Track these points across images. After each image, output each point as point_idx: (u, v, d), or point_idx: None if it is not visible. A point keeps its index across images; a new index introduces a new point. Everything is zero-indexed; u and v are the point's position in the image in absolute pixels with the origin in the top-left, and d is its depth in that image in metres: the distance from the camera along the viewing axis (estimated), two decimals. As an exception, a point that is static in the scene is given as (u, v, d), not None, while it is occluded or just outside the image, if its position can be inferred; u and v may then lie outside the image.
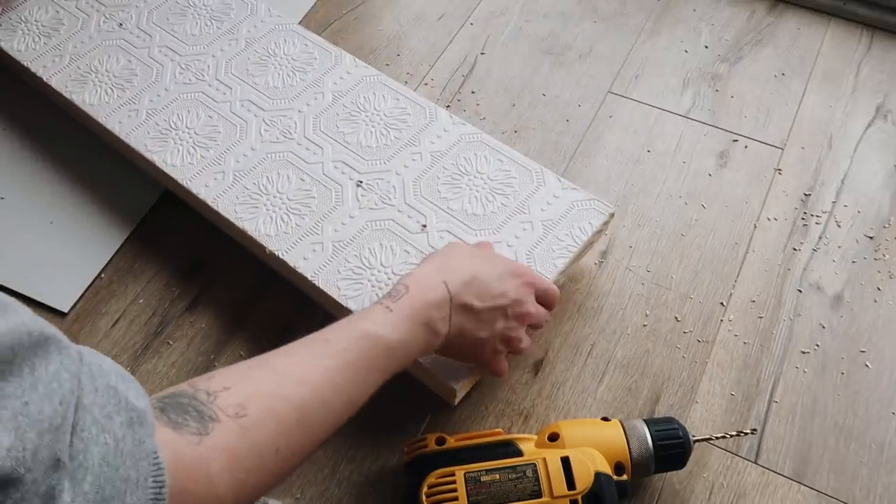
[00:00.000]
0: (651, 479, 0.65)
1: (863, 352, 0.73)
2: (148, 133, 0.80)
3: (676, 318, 0.75)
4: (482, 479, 0.59)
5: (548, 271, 0.70)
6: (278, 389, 0.46)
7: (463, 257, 0.61)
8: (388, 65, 0.97)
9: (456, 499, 0.58)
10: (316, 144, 0.79)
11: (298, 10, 1.02)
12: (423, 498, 0.58)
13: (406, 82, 0.95)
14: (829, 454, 0.67)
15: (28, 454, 0.29)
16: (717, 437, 0.64)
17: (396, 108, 0.82)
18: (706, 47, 0.98)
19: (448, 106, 0.92)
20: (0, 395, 0.29)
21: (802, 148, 0.88)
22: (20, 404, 0.30)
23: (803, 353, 0.73)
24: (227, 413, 0.42)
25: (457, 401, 0.68)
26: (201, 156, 0.79)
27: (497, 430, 0.64)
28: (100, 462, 0.33)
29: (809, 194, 0.84)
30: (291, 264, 0.71)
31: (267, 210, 0.74)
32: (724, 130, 0.90)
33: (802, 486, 0.66)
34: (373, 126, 0.80)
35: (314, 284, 0.70)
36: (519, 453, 0.60)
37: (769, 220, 0.82)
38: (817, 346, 0.74)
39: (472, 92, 0.94)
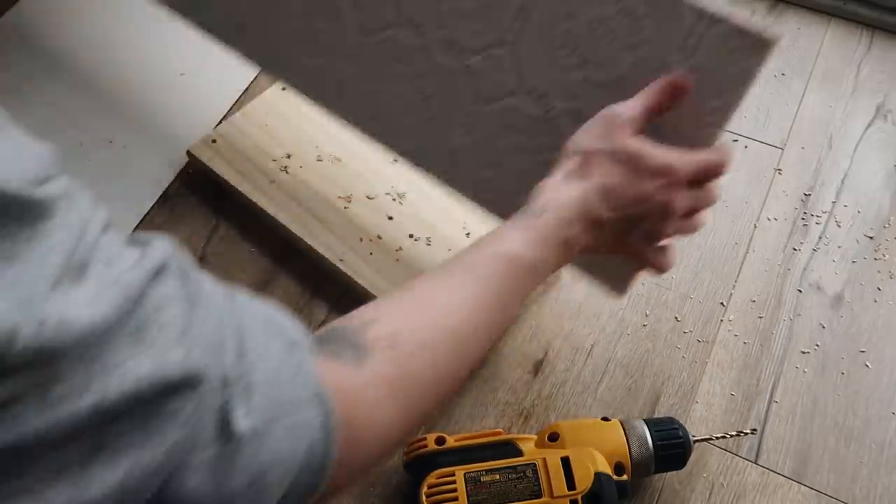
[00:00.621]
0: (651, 479, 0.65)
1: (863, 352, 0.73)
2: None
3: (676, 318, 0.75)
4: (482, 480, 0.59)
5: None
6: (428, 319, 0.46)
7: (605, 162, 0.53)
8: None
9: (456, 499, 0.58)
10: (415, 23, 0.65)
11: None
12: (423, 498, 0.58)
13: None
14: (829, 454, 0.67)
15: (200, 367, 0.30)
16: (717, 437, 0.64)
17: None
18: (706, 47, 0.98)
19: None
20: (163, 318, 0.30)
21: (802, 148, 0.88)
22: (184, 324, 0.31)
23: (803, 353, 0.73)
24: (380, 343, 0.42)
25: (627, 291, 0.62)
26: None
27: (497, 430, 0.64)
28: (265, 381, 0.34)
29: (809, 194, 0.84)
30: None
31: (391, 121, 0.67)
32: (725, 130, 0.90)
33: (802, 486, 0.66)
34: None
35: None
36: (519, 453, 0.60)
37: (769, 219, 0.82)
38: (817, 346, 0.74)
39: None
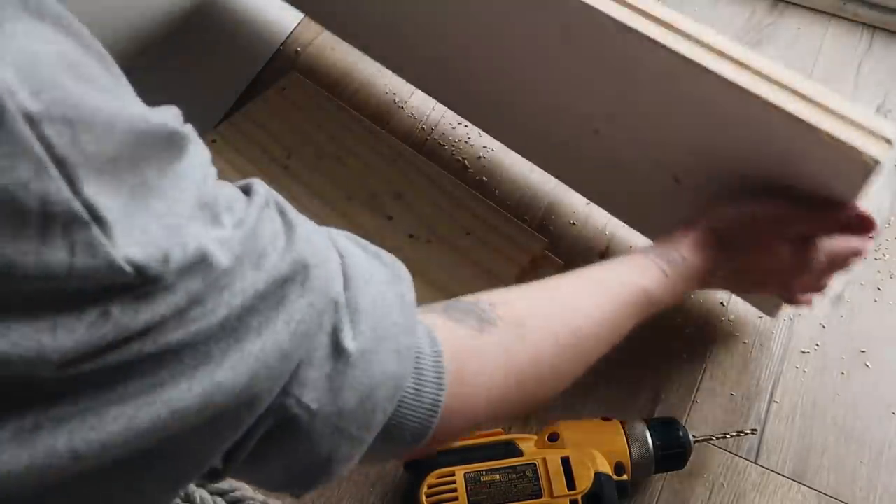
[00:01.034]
0: (651, 480, 0.65)
1: (863, 352, 0.73)
2: None
3: (677, 317, 0.75)
4: (482, 480, 0.59)
5: None
6: (556, 311, 0.48)
7: (738, 222, 0.58)
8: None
9: (456, 499, 0.58)
10: None
11: (297, 12, 1.02)
12: (423, 498, 0.58)
13: (406, 82, 0.95)
14: (829, 454, 0.67)
15: (307, 260, 0.34)
16: (717, 438, 0.64)
17: None
18: (706, 47, 0.97)
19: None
20: (276, 246, 0.33)
21: (802, 148, 0.88)
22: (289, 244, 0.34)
23: (803, 353, 0.73)
24: (506, 321, 0.44)
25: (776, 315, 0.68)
26: None
27: (497, 429, 0.64)
28: (369, 306, 0.37)
29: (809, 194, 0.84)
30: None
31: None
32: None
33: (802, 487, 0.66)
34: None
35: None
36: (519, 453, 0.60)
37: (769, 220, 0.82)
38: (817, 346, 0.74)
39: (472, 92, 0.94)
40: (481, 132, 0.89)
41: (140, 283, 0.27)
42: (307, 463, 0.36)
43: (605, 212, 0.82)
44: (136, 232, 0.27)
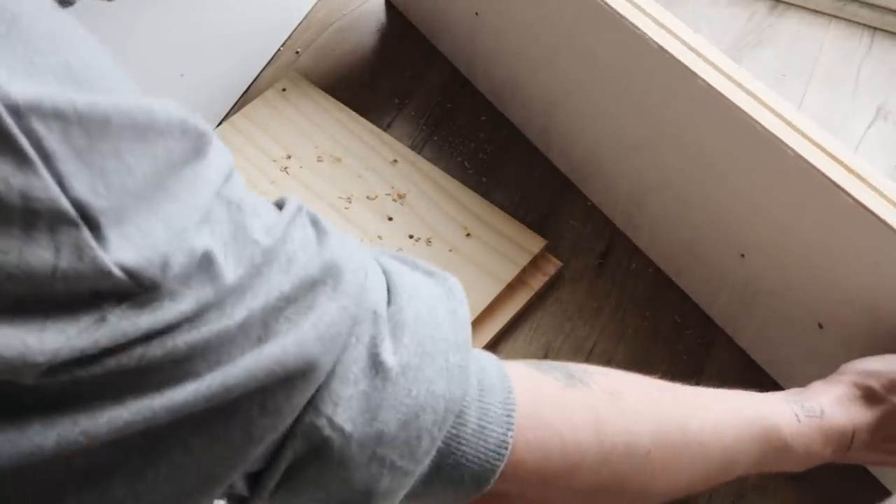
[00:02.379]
0: (651, 480, 0.65)
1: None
2: None
3: (677, 318, 0.75)
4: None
5: None
6: (665, 404, 0.41)
7: (887, 394, 0.51)
8: (388, 65, 0.97)
9: (456, 499, 0.58)
10: None
11: (299, 11, 1.02)
12: (423, 499, 0.58)
13: (406, 83, 0.95)
14: (829, 455, 0.67)
15: (340, 262, 0.31)
16: (717, 438, 0.64)
17: None
18: (706, 48, 0.97)
19: (448, 107, 0.92)
20: (306, 253, 0.31)
21: (803, 149, 0.88)
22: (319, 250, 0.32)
23: (803, 354, 0.73)
24: (601, 386, 0.39)
25: None
26: None
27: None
28: (414, 320, 0.34)
29: (810, 195, 0.84)
30: None
31: None
32: None
33: (803, 487, 0.66)
34: None
35: None
36: (519, 454, 0.60)
37: (769, 220, 0.82)
38: (817, 347, 0.73)
39: (473, 93, 0.94)
40: (481, 133, 0.89)
41: (138, 289, 0.25)
42: (344, 496, 0.32)
43: (605, 213, 0.82)
44: (134, 235, 0.25)
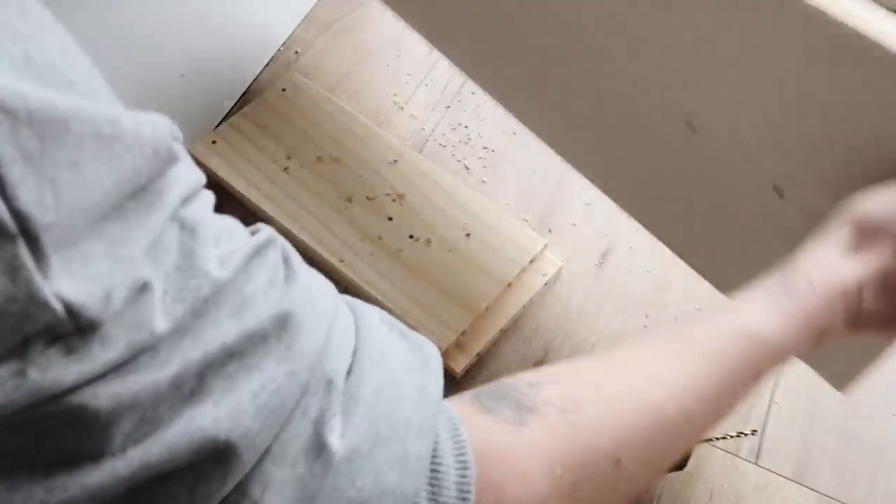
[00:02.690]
0: (651, 480, 0.65)
1: (863, 353, 0.73)
2: None
3: (676, 319, 0.75)
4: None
5: None
6: (622, 385, 0.36)
7: (887, 240, 0.41)
8: (388, 65, 0.97)
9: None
10: None
11: (298, 12, 1.02)
12: (423, 499, 0.58)
13: (406, 83, 0.95)
14: (829, 455, 0.67)
15: (296, 315, 0.27)
16: (717, 439, 0.64)
17: None
18: (706, 48, 0.97)
19: (448, 107, 0.92)
20: (266, 294, 0.27)
21: (803, 149, 0.88)
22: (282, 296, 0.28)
23: (804, 353, 0.73)
24: (551, 405, 0.34)
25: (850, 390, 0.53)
26: None
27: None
28: (373, 397, 0.29)
29: (810, 195, 0.84)
30: None
31: None
32: None
33: (803, 488, 0.66)
34: None
35: None
36: (519, 454, 0.60)
37: (769, 220, 0.82)
38: (818, 346, 0.73)
39: (472, 93, 0.94)
40: (481, 133, 0.89)
41: (73, 329, 0.21)
42: None
43: (605, 212, 0.82)
44: (76, 262, 0.21)
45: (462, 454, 0.30)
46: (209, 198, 0.27)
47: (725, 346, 0.38)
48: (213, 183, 0.84)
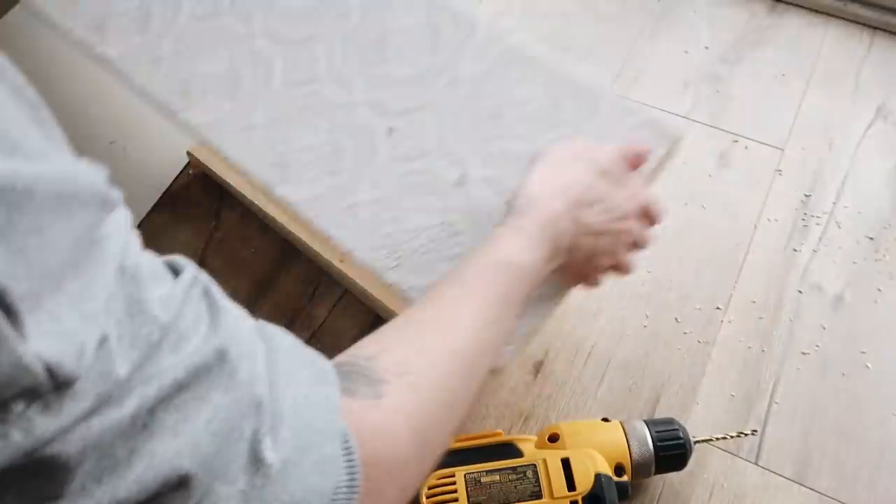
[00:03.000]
0: (651, 480, 0.65)
1: (863, 353, 0.73)
2: (170, 87, 0.70)
3: (677, 319, 0.75)
4: (482, 480, 0.59)
5: None
6: (432, 341, 0.43)
7: (577, 168, 0.55)
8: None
9: (456, 500, 0.58)
10: (344, 83, 0.68)
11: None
12: (424, 499, 0.58)
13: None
14: (829, 455, 0.67)
15: (231, 356, 0.29)
16: (717, 438, 0.64)
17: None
18: (706, 48, 0.98)
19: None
20: (198, 330, 0.29)
21: (803, 149, 0.88)
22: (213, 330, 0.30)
23: (804, 354, 0.73)
24: (391, 372, 0.39)
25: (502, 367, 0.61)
26: (227, 108, 0.69)
27: (497, 430, 0.64)
28: (293, 411, 0.32)
29: (810, 195, 0.84)
30: (322, 228, 0.63)
31: (297, 172, 0.66)
32: (725, 131, 0.90)
33: (803, 488, 0.66)
34: (403, 51, 0.69)
35: (346, 252, 0.63)
36: (519, 454, 0.60)
37: (769, 220, 0.82)
38: (818, 346, 0.73)
39: (473, 93, 0.94)
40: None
41: (51, 386, 0.22)
42: None
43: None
44: (48, 322, 0.22)
45: (347, 441, 0.34)
46: (136, 237, 0.28)
47: (491, 279, 0.47)
48: (214, 182, 0.84)
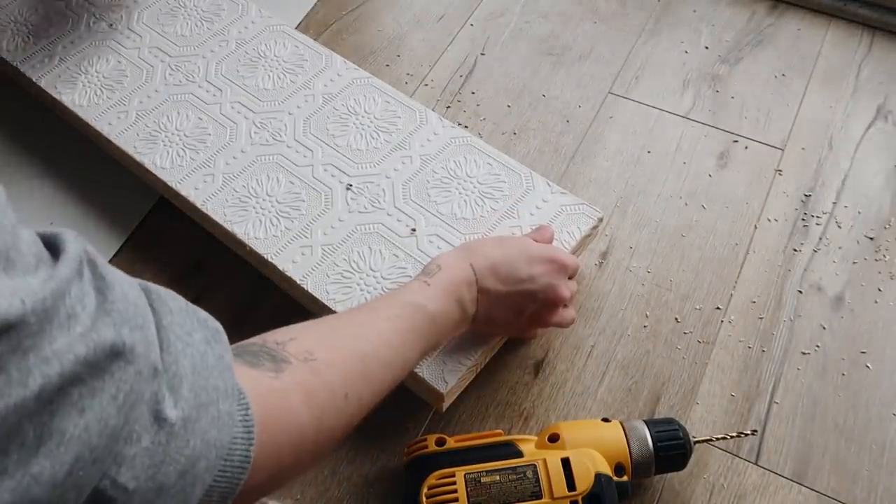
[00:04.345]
0: (651, 480, 0.65)
1: (863, 353, 0.73)
2: (137, 135, 0.80)
3: (677, 318, 0.75)
4: (482, 481, 0.58)
5: None
6: (341, 341, 0.49)
7: (490, 245, 0.65)
8: (387, 65, 0.97)
9: (456, 500, 0.58)
10: (306, 147, 0.79)
11: (298, 11, 1.02)
12: (424, 499, 0.58)
13: (406, 83, 0.95)
14: (829, 455, 0.67)
15: (129, 341, 0.31)
16: (717, 438, 0.64)
17: (387, 111, 0.82)
18: (706, 48, 0.98)
19: (448, 107, 0.92)
20: (88, 306, 0.30)
21: (803, 149, 0.88)
22: (106, 308, 0.31)
23: (804, 353, 0.73)
24: (297, 357, 0.44)
25: (445, 407, 0.67)
26: (191, 158, 0.78)
27: (497, 430, 0.64)
28: (191, 370, 0.34)
29: (810, 195, 0.84)
30: (280, 268, 0.70)
31: (256, 213, 0.74)
32: (725, 131, 0.90)
33: (803, 488, 0.66)
34: (363, 129, 0.80)
35: (303, 288, 0.69)
36: (519, 454, 0.60)
37: (769, 220, 0.82)
38: (818, 346, 0.73)
39: (473, 93, 0.94)
40: (481, 133, 0.89)
41: None
42: None
43: (605, 214, 0.82)
44: None
45: (243, 398, 0.37)
46: (12, 213, 0.30)
47: (399, 312, 0.55)
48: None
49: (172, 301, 0.36)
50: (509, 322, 0.64)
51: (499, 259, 0.62)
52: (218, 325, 0.39)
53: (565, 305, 0.67)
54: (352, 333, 0.50)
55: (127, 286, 0.33)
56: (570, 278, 0.68)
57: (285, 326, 0.47)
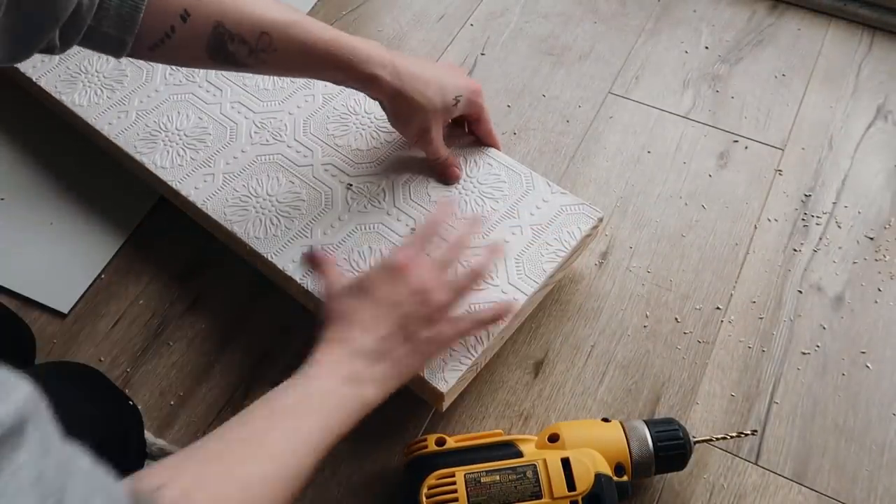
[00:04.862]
0: (651, 480, 0.65)
1: (863, 353, 0.73)
2: (137, 135, 0.80)
3: (677, 318, 0.75)
4: (482, 480, 0.58)
5: (537, 276, 0.69)
6: (218, 473, 0.45)
7: (350, 307, 0.59)
8: (388, 65, 0.97)
9: (456, 500, 0.58)
10: (306, 147, 0.79)
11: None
12: (423, 499, 0.58)
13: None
14: (829, 455, 0.67)
15: None
16: (717, 438, 0.64)
17: None
18: (706, 48, 0.98)
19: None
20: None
21: (803, 149, 0.88)
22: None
23: (804, 353, 0.73)
24: (170, 501, 0.41)
25: (445, 407, 0.67)
26: (191, 158, 0.78)
27: (497, 430, 0.64)
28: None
29: (810, 195, 0.84)
30: (280, 267, 0.70)
31: (256, 213, 0.74)
32: (725, 131, 0.90)
33: (803, 488, 0.66)
34: (363, 129, 0.80)
35: (303, 288, 0.69)
36: (519, 454, 0.60)
37: (769, 220, 0.82)
38: (818, 346, 0.73)
39: (473, 93, 0.94)
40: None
41: None
42: None
43: (605, 214, 0.82)
44: None
45: None
46: None
47: (303, 404, 0.51)
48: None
49: (79, 460, 0.34)
50: (413, 356, 0.59)
51: (356, 312, 0.58)
52: (120, 492, 0.36)
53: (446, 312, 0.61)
54: (251, 453, 0.47)
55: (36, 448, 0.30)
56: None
57: (164, 461, 0.45)
